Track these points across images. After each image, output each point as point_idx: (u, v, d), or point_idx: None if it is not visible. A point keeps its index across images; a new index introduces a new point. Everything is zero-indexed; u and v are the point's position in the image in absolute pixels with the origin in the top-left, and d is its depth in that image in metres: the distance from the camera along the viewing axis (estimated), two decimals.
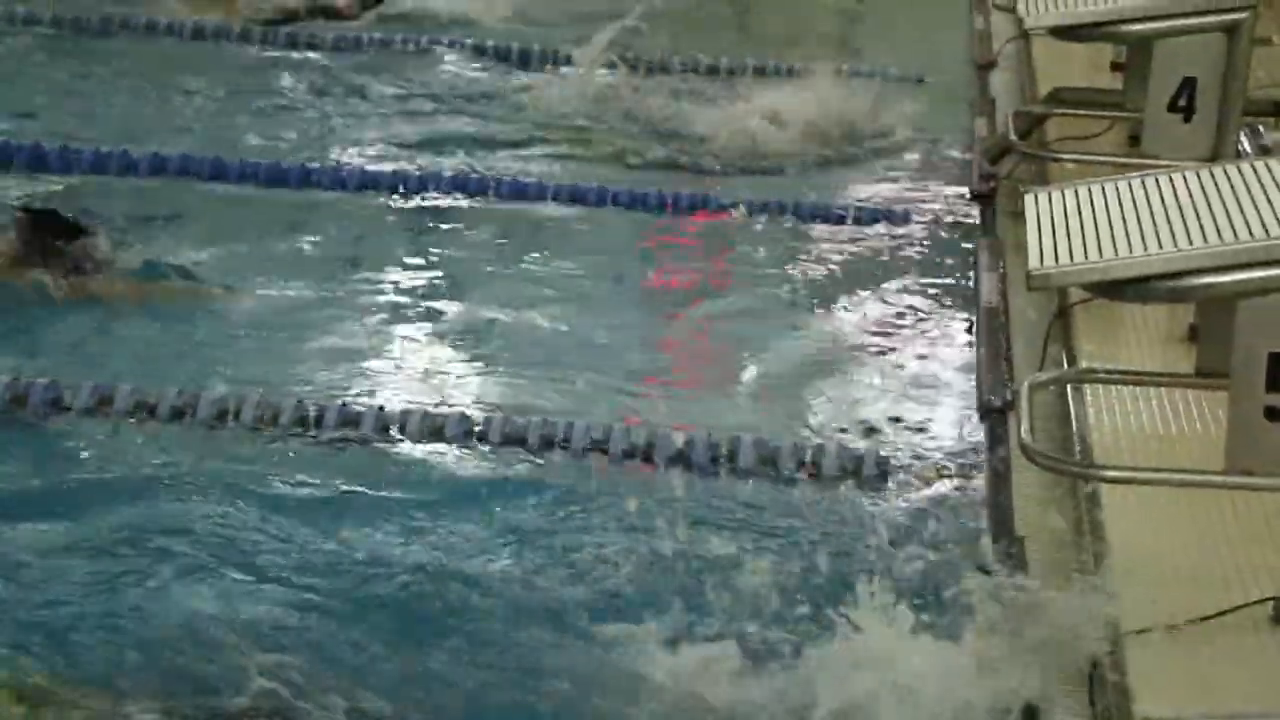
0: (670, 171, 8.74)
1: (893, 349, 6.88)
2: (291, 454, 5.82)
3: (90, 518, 5.34)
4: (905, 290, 7.49)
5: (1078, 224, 4.65)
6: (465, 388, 6.41)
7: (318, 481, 5.65)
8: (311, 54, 10.40)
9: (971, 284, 7.15)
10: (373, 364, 6.59)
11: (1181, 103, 6.96)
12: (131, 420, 5.95)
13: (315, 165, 8.49)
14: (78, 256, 6.88)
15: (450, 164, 8.64)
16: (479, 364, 6.63)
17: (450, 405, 6.14)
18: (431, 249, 7.69)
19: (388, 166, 8.58)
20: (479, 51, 10.46)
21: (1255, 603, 4.40)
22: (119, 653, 4.70)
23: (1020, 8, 7.27)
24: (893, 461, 5.86)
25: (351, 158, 8.73)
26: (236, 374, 6.35)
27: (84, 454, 5.78)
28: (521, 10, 11.36)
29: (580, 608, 4.97)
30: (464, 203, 8.23)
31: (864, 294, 7.43)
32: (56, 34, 10.44)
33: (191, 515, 5.36)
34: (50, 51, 10.17)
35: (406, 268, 7.48)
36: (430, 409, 6.03)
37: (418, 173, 8.47)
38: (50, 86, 9.62)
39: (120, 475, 5.64)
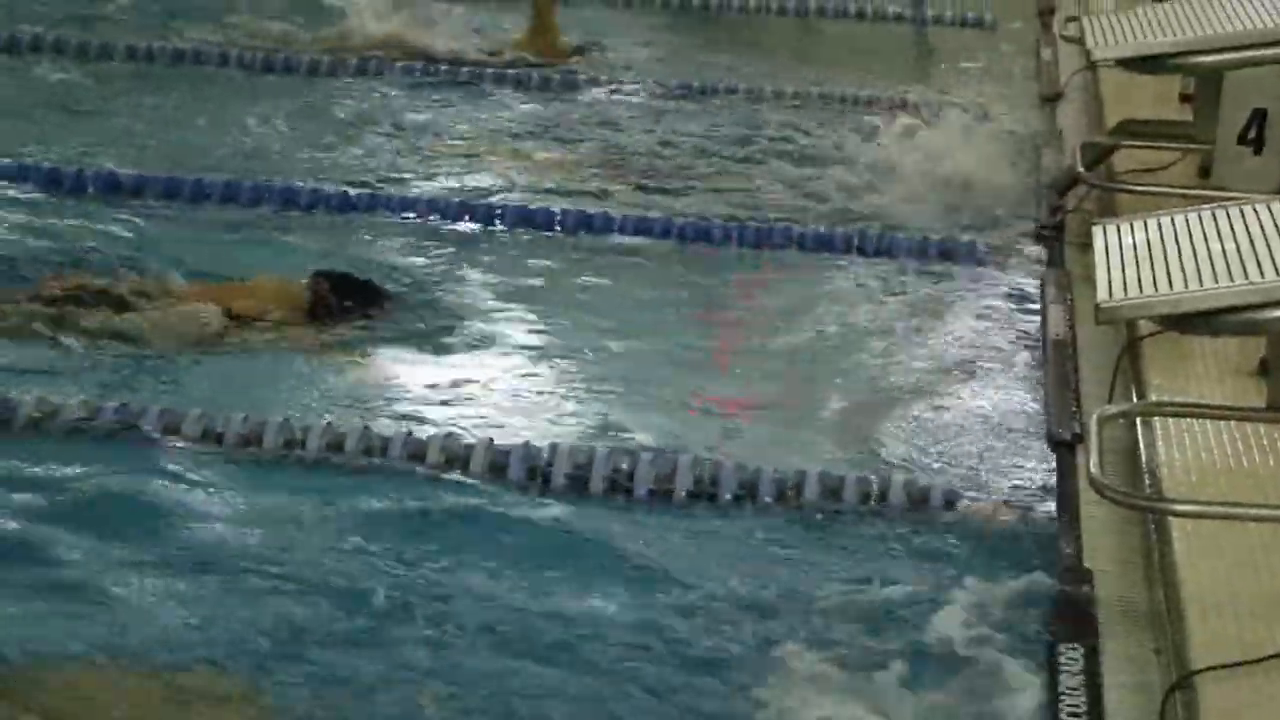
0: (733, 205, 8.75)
1: (960, 382, 6.84)
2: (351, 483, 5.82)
3: (172, 539, 5.39)
4: (972, 323, 7.45)
5: (1146, 256, 4.63)
6: (530, 419, 6.39)
7: (385, 510, 5.65)
8: (372, 82, 10.48)
9: (1039, 316, 7.11)
10: (441, 394, 6.59)
11: (1252, 134, 6.92)
12: (201, 445, 5.97)
13: (382, 192, 8.52)
14: (361, 318, 7.04)
15: (518, 195, 8.66)
16: (542, 396, 6.62)
17: (514, 437, 6.13)
18: (498, 281, 7.68)
19: (456, 196, 8.60)
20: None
21: None
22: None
23: (1088, 39, 7.25)
24: (960, 494, 5.82)
25: (419, 187, 8.75)
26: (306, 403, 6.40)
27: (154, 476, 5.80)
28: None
29: (655, 642, 4.96)
30: (531, 233, 8.23)
31: (930, 327, 7.40)
32: (131, 63, 10.52)
33: (265, 545, 5.37)
34: (126, 81, 10.27)
35: (474, 300, 7.47)
36: (495, 441, 6.03)
37: (484, 202, 8.48)
38: (128, 116, 9.68)
39: (192, 501, 5.64)
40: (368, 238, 8.09)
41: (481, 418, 6.35)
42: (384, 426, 6.10)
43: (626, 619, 5.08)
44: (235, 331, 6.89)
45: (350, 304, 7.07)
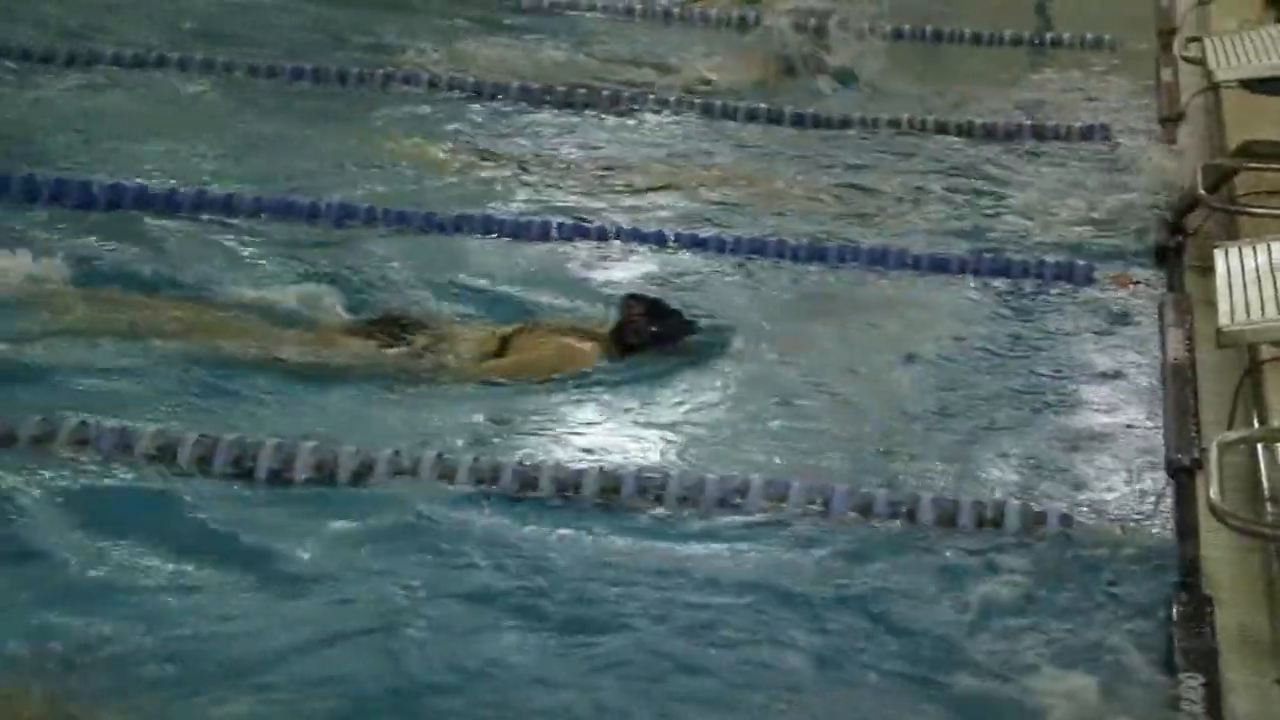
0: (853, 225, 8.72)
1: (1076, 406, 6.77)
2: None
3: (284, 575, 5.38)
4: (1089, 346, 7.38)
5: (1269, 279, 4.57)
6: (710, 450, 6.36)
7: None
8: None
9: (1157, 340, 7.03)
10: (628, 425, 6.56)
11: None
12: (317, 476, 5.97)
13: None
14: (669, 349, 6.99)
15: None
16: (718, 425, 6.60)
17: (649, 462, 6.13)
18: (713, 310, 7.52)
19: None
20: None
21: None
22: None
23: (1210, 60, 7.18)
24: (1076, 520, 5.75)
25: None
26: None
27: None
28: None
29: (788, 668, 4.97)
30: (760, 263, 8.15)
31: (1046, 350, 7.33)
32: (250, 80, 10.58)
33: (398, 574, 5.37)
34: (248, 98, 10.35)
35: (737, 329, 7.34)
36: (651, 470, 6.02)
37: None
38: (260, 133, 9.70)
39: (302, 533, 5.61)
40: (616, 266, 8.04)
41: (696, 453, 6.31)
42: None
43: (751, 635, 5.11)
44: (521, 350, 6.82)
45: (658, 330, 6.97)
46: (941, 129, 10.27)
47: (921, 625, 5.17)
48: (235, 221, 8.16)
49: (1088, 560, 5.52)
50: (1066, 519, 5.76)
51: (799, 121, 10.36)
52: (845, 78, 11.22)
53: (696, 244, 8.27)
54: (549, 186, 9.03)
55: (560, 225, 8.36)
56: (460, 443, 6.17)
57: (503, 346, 6.87)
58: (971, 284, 7.99)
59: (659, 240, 8.29)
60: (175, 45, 10.87)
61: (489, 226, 8.33)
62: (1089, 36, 12.54)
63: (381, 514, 5.66)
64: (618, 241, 8.26)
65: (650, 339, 6.98)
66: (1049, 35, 12.78)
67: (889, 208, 8.98)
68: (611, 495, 5.85)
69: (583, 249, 8.19)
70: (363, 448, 5.96)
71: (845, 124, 10.34)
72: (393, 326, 6.96)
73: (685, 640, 5.07)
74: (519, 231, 8.30)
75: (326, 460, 5.90)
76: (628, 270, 7.98)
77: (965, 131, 10.22)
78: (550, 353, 6.86)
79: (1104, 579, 5.41)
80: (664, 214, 8.67)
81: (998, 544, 5.66)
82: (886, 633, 5.12)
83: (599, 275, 7.92)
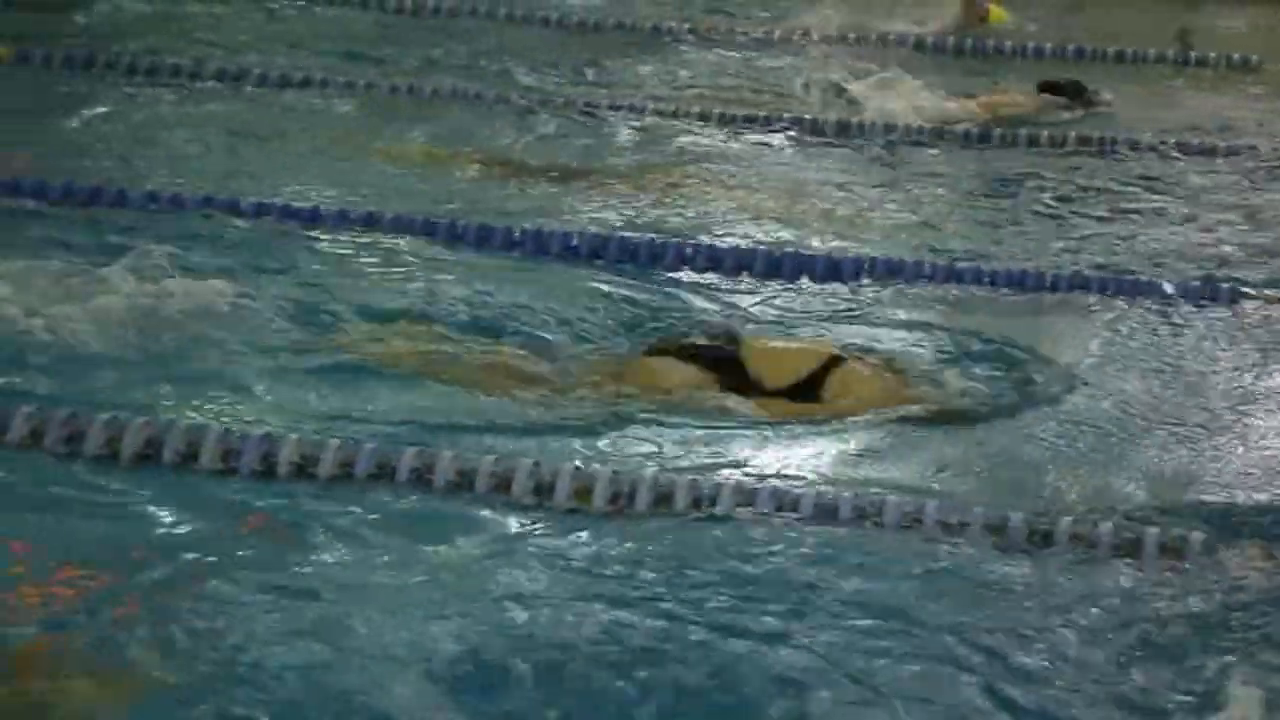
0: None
1: (1222, 429, 6.67)
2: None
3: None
4: (1230, 369, 7.30)
5: None
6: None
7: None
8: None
9: None
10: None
11: None
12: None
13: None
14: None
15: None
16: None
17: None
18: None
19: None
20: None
21: None
22: None
23: None
24: (1219, 546, 5.68)
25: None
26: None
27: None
28: None
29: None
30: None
31: (1192, 372, 7.25)
32: (392, 100, 10.68)
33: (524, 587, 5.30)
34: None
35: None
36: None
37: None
38: None
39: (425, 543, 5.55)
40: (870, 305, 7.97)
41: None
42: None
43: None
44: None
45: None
46: (1084, 143, 10.22)
47: (1060, 654, 5.11)
48: (389, 239, 8.16)
49: (1232, 589, 5.45)
50: (1209, 545, 5.68)
51: (939, 136, 10.34)
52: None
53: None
54: (690, 207, 9.04)
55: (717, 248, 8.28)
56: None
57: (811, 381, 6.65)
58: (1112, 304, 7.92)
59: (855, 271, 8.12)
60: (318, 65, 11.05)
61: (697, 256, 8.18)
62: (1235, 56, 12.41)
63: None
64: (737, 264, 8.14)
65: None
66: (1193, 54, 12.65)
67: (1030, 226, 8.93)
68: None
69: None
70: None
71: (984, 139, 10.30)
72: (685, 356, 6.73)
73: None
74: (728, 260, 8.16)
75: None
76: (756, 295, 7.91)
77: (1109, 149, 10.15)
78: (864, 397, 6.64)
79: (1249, 608, 5.34)
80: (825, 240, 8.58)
81: (1137, 569, 5.59)
82: (1030, 658, 5.08)
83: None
